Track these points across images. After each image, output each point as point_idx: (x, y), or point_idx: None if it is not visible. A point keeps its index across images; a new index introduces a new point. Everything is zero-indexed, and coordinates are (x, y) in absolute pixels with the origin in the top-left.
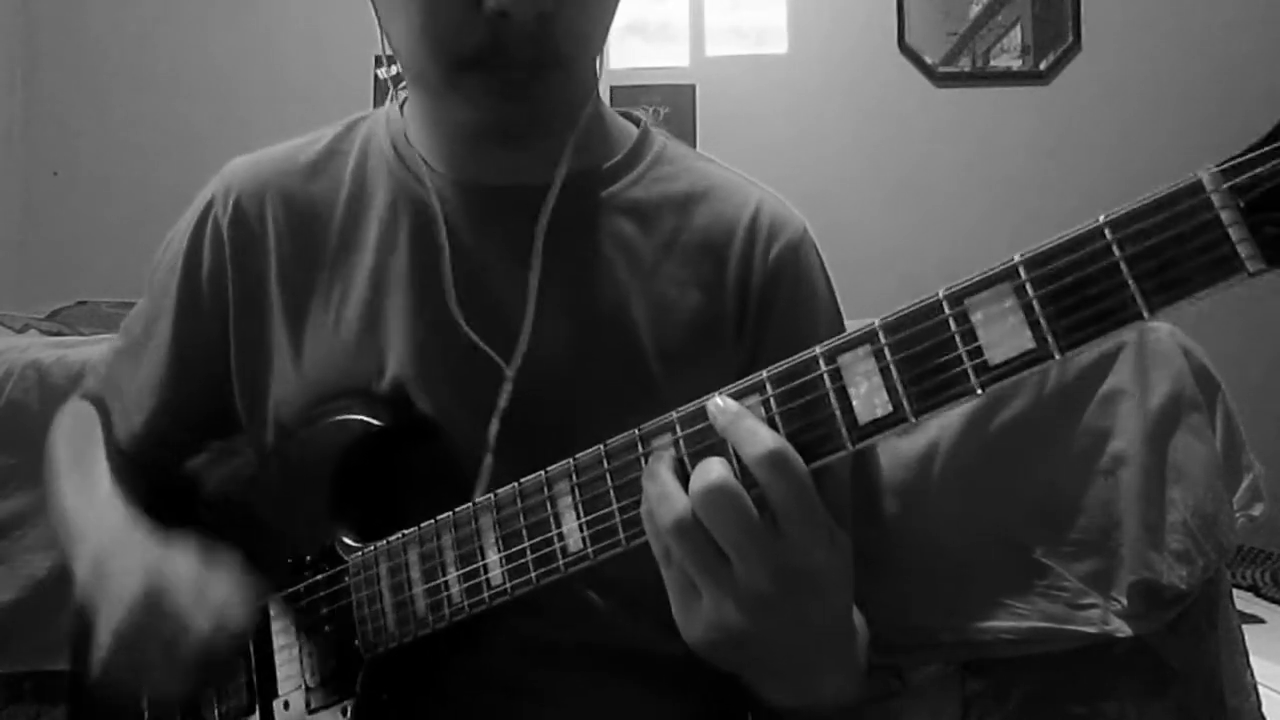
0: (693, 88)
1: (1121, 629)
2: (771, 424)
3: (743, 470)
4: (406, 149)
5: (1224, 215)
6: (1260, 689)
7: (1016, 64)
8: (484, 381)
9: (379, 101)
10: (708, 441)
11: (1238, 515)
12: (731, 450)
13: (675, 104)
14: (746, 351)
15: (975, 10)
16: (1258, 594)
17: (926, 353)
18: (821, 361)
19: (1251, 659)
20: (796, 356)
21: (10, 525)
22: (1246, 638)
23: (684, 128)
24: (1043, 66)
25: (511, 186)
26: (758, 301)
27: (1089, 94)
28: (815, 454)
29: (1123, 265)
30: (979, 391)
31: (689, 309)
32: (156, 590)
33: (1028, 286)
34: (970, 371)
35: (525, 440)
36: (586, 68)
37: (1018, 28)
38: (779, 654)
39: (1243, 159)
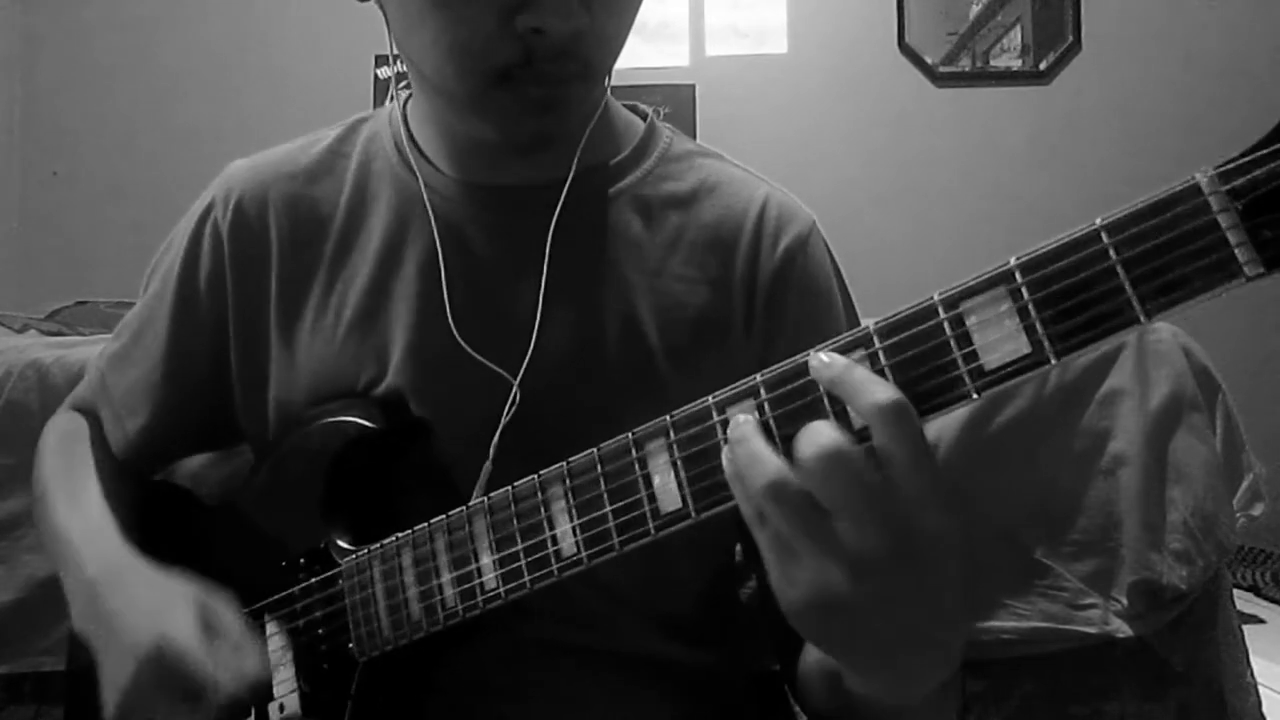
0: (693, 88)
1: (1122, 629)
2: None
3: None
4: (411, 151)
5: (1222, 219)
6: (1260, 689)
7: (1016, 64)
8: (487, 390)
9: (379, 101)
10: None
11: (1238, 515)
12: (830, 410)
13: (675, 104)
14: (756, 349)
15: (975, 10)
16: (1258, 594)
17: (922, 356)
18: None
19: (1251, 659)
20: (792, 359)
21: (10, 525)
22: (1246, 638)
23: (684, 128)
24: (1043, 66)
25: (519, 186)
26: (766, 297)
27: (1089, 94)
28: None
29: (1119, 269)
30: (975, 396)
31: (696, 306)
32: (165, 649)
33: (1024, 290)
34: (966, 376)
35: (527, 448)
36: (606, 77)
37: (1018, 28)
38: (884, 627)
39: (1241, 161)
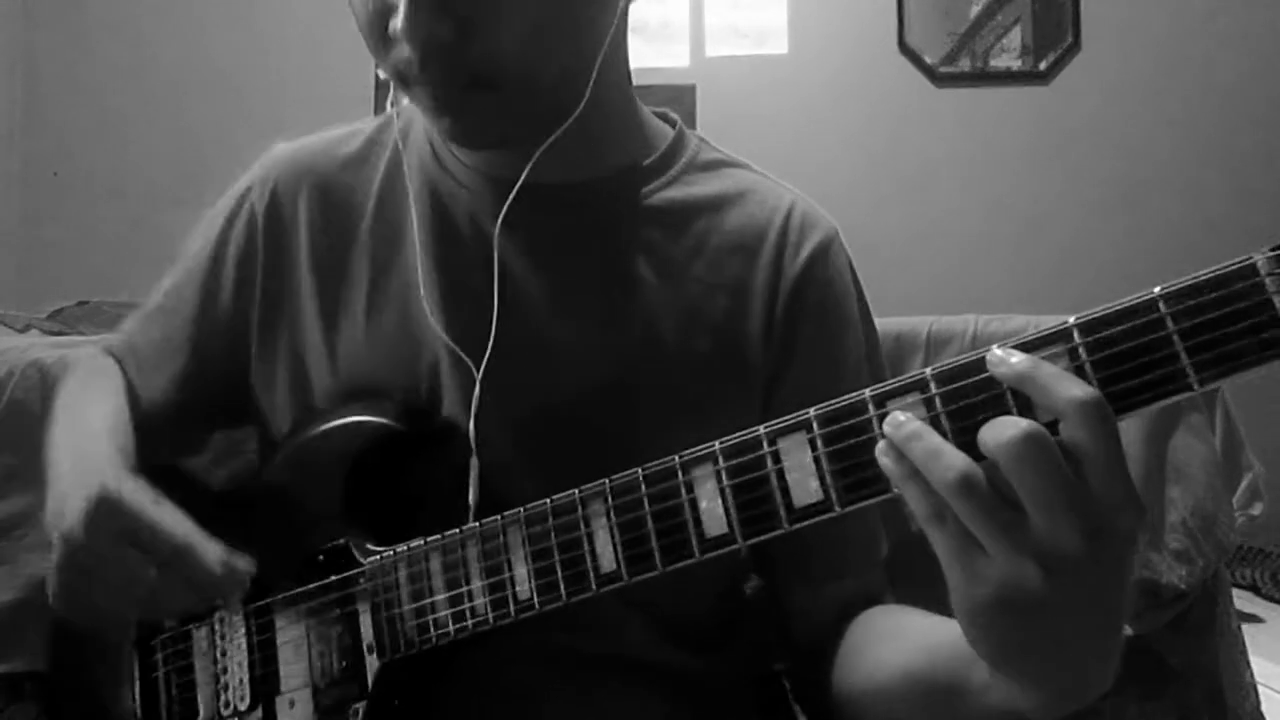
0: (693, 88)
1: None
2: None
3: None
4: (440, 142)
5: (1277, 300)
6: (1260, 689)
7: (1016, 64)
8: (503, 389)
9: (379, 103)
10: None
11: (1238, 515)
12: (1013, 406)
13: (675, 104)
14: (774, 353)
15: (975, 10)
16: (1258, 594)
17: (975, 406)
18: (872, 405)
19: (1251, 659)
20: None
21: (11, 525)
22: (1246, 638)
23: None
24: (1043, 66)
25: (545, 184)
26: (787, 302)
27: (1089, 94)
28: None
29: (1175, 338)
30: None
31: (717, 312)
32: (110, 490)
33: (1081, 350)
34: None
35: (526, 443)
36: (544, 84)
37: (1018, 28)
38: (1070, 630)
39: None
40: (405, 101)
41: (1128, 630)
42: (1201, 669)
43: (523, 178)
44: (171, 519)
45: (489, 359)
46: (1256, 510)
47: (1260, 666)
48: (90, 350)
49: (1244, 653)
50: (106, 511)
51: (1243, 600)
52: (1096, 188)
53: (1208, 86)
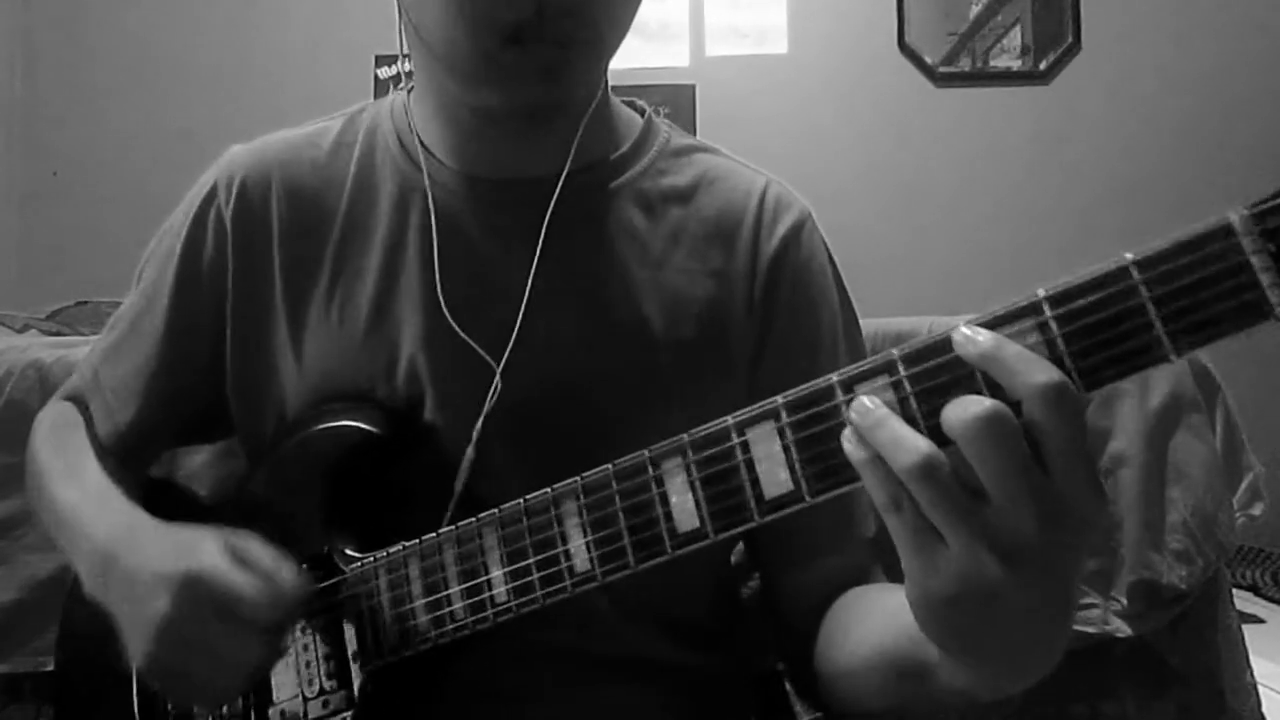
0: (692, 88)
1: (1121, 629)
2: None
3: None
4: (412, 141)
5: (1255, 260)
6: (1260, 689)
7: (1016, 64)
8: (475, 378)
9: None
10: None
11: (1238, 515)
12: (983, 385)
13: (675, 104)
14: (754, 335)
15: (975, 10)
16: (1258, 594)
17: (944, 386)
18: (839, 390)
19: (1251, 659)
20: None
21: (10, 525)
22: (1246, 638)
23: (684, 128)
24: (1043, 66)
25: (519, 180)
26: (764, 283)
27: (1089, 94)
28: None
29: (1149, 306)
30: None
31: (700, 299)
32: (195, 571)
33: (1052, 323)
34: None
35: (515, 436)
36: (611, 53)
37: (1018, 28)
38: (1026, 617)
39: (1274, 202)
40: (388, 96)
41: (1127, 630)
42: (1202, 669)
43: (564, 173)
44: (259, 580)
45: (509, 354)
46: (1257, 511)
47: (1261, 667)
48: (54, 406)
49: (1245, 653)
50: (195, 594)
51: (1243, 600)
52: (1096, 188)
53: (1208, 87)
